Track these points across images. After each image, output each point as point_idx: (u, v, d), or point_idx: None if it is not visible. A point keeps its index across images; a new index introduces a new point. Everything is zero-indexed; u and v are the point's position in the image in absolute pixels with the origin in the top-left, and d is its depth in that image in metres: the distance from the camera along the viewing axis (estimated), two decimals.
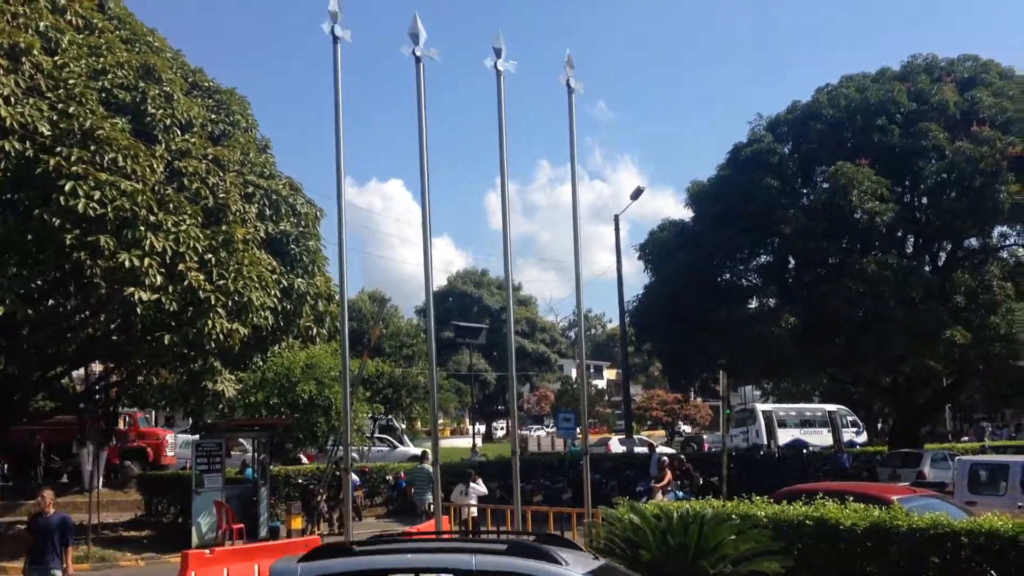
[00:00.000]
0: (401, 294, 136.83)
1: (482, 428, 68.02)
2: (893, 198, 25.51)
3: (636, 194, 35.36)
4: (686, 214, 30.72)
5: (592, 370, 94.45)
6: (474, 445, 38.25)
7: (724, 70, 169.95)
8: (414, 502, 22.82)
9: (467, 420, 69.51)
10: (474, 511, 19.97)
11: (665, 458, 23.33)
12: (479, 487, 20.64)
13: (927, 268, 27.33)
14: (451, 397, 66.37)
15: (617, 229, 35.19)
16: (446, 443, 45.42)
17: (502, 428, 71.82)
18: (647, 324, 31.13)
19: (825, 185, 26.38)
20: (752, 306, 28.63)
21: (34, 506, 11.57)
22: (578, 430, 38.67)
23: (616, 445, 37.96)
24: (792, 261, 28.72)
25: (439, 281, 75.48)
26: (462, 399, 68.54)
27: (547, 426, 69.52)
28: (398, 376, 39.03)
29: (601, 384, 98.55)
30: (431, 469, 14.40)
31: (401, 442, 39.54)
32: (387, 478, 28.13)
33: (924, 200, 27.25)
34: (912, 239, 28.12)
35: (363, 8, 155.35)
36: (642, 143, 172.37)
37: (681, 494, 20.54)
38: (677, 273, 28.06)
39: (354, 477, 21.64)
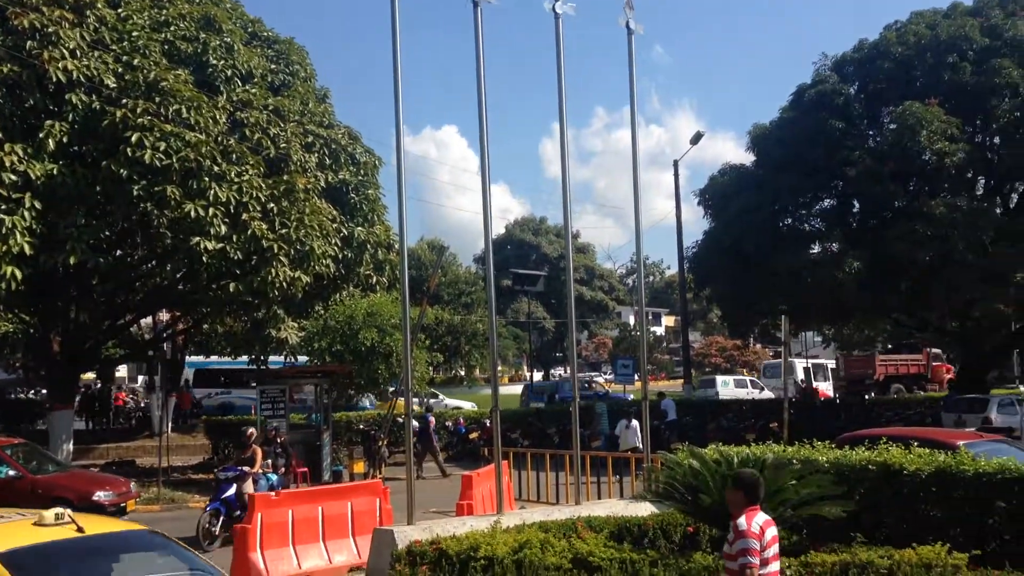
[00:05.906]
0: (458, 242, 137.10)
1: (539, 375, 68.37)
2: (963, 138, 24.73)
3: (696, 139, 34.86)
4: (747, 158, 30.24)
5: (651, 317, 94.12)
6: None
7: (787, 8, 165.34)
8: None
9: (525, 367, 69.94)
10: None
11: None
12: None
13: (998, 210, 26.60)
14: (509, 344, 66.57)
15: (676, 175, 35.07)
16: (505, 390, 45.96)
17: (558, 375, 72.13)
18: (707, 270, 30.80)
19: (892, 126, 25.72)
20: (815, 251, 28.16)
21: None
22: (636, 376, 39.16)
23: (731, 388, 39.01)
24: (857, 205, 28.08)
25: (497, 229, 75.47)
26: (520, 346, 68.81)
27: (605, 373, 69.71)
28: (457, 324, 39.25)
29: (659, 331, 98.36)
30: None
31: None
32: (446, 424, 28.57)
33: (996, 140, 26.49)
34: (983, 180, 27.39)
35: None
36: (701, 87, 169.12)
37: None
38: (737, 218, 27.62)
39: (414, 423, 21.97)
